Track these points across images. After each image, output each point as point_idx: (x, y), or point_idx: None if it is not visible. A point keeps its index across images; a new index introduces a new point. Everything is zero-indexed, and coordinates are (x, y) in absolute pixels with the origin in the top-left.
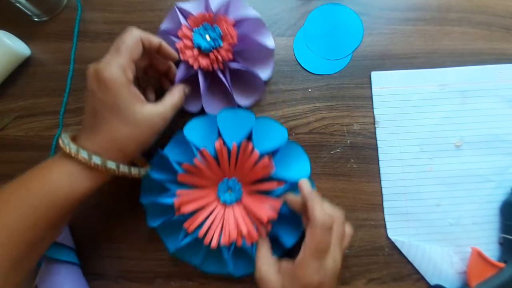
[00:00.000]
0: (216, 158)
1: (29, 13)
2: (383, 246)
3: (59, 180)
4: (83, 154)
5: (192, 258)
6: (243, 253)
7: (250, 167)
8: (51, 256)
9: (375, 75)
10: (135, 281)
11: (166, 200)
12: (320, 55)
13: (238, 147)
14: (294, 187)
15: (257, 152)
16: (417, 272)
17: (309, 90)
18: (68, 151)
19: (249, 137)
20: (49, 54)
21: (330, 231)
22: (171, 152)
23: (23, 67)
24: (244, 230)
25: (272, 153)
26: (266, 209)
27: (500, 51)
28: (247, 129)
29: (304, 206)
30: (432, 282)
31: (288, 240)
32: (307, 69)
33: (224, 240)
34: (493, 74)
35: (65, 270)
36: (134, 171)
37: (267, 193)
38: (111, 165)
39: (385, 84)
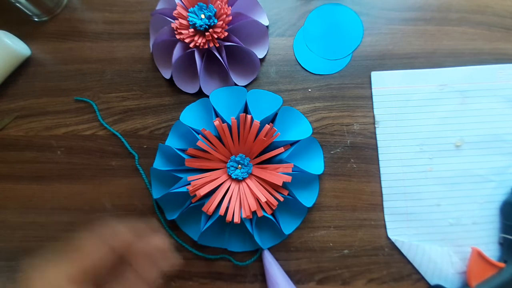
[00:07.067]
0: (218, 138)
1: (29, 13)
2: (383, 246)
3: None
4: None
5: (218, 242)
6: (266, 225)
7: (253, 138)
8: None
9: (375, 75)
10: None
11: (180, 189)
12: (320, 55)
13: (237, 121)
14: (300, 146)
15: (257, 121)
16: (417, 272)
17: (309, 90)
18: None
19: (246, 111)
20: (49, 54)
21: None
22: (173, 143)
23: (23, 67)
24: (263, 199)
25: (271, 122)
26: (279, 174)
27: (500, 51)
28: (242, 103)
29: None
30: (432, 282)
31: (307, 200)
32: (307, 69)
33: (245, 214)
34: (493, 74)
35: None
36: None
37: (275, 162)
38: None
39: (385, 84)
